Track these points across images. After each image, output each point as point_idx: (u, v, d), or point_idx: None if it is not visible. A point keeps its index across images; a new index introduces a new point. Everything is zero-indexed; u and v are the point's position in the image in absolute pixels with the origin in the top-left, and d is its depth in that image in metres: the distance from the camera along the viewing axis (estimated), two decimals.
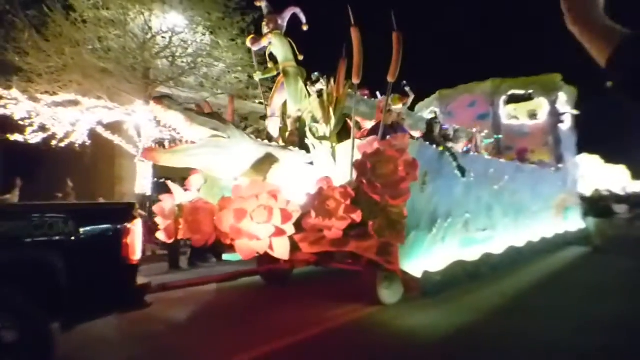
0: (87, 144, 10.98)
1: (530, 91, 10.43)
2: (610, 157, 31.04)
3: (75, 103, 10.64)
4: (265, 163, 4.95)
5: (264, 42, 5.54)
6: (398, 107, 6.67)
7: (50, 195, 10.07)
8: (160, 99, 4.45)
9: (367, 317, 4.46)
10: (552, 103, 10.28)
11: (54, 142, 10.79)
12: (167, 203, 5.18)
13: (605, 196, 10.84)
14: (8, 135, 10.52)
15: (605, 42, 0.85)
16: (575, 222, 10.08)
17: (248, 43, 5.67)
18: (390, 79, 4.52)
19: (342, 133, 5.38)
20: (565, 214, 9.75)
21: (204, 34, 11.50)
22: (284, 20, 5.67)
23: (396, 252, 4.35)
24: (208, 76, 11.82)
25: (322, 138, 5.16)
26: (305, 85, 5.66)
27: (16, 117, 10.44)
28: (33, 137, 10.73)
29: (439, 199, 5.05)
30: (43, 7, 10.55)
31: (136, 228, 3.29)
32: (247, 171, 4.88)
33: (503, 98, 10.54)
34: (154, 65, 11.60)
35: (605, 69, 0.83)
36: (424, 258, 4.76)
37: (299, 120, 5.77)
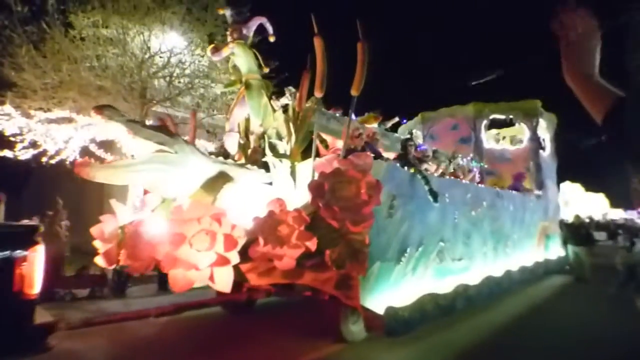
0: (78, 161, 10.54)
1: (511, 116, 10.17)
2: (590, 185, 31.24)
3: (69, 120, 10.44)
4: (217, 182, 4.40)
5: (225, 52, 5.08)
6: (373, 126, 6.23)
7: (38, 212, 9.65)
8: (101, 108, 3.93)
9: (329, 357, 3.88)
10: (533, 129, 10.01)
11: (44, 159, 10.48)
12: (108, 225, 4.57)
13: (585, 223, 10.49)
14: None
15: (599, 101, 0.97)
16: (556, 250, 9.65)
17: (208, 53, 5.21)
18: (354, 92, 4.06)
19: (310, 152, 4.90)
20: (547, 242, 9.32)
21: (202, 56, 11.27)
22: (250, 30, 5.25)
23: (357, 285, 3.80)
24: (205, 97, 11.64)
25: (282, 156, 4.65)
26: (270, 99, 5.18)
27: (7, 132, 10.19)
28: (23, 153, 10.41)
29: (409, 226, 4.53)
30: (42, 24, 10.38)
31: (36, 256, 2.69)
32: (196, 190, 4.33)
33: (485, 122, 10.25)
34: (151, 85, 11.50)
35: (601, 126, 0.96)
36: (390, 292, 4.19)
37: (264, 136, 5.27)
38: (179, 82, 11.43)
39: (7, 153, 10.49)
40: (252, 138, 5.30)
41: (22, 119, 10.43)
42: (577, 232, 9.27)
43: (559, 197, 11.59)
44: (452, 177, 6.35)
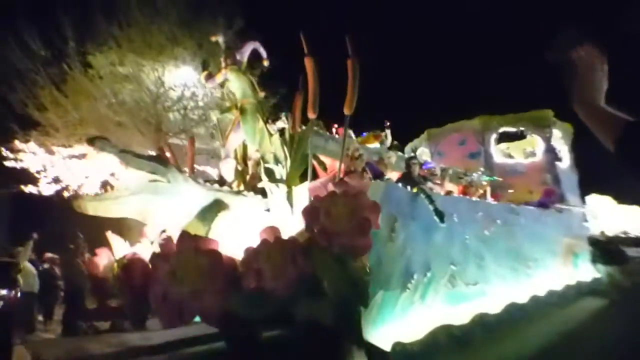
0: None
1: (522, 128, 9.79)
2: (623, 198, 29.52)
3: (89, 155, 10.84)
4: (211, 210, 4.24)
5: (218, 79, 5.03)
6: (373, 146, 6.01)
7: (62, 248, 9.83)
8: (93, 140, 3.88)
9: None
10: (547, 140, 9.58)
11: (66, 194, 10.81)
12: (102, 258, 4.42)
13: (616, 239, 9.78)
14: (22, 187, 10.53)
15: (608, 129, 1.01)
16: (588, 269, 8.96)
17: (202, 79, 5.16)
18: (346, 111, 3.88)
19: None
20: (575, 261, 8.69)
21: (214, 88, 11.62)
22: (243, 55, 5.20)
23: (358, 317, 3.49)
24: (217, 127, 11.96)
25: (278, 181, 4.46)
26: (266, 123, 5.05)
27: (32, 169, 10.63)
28: (46, 189, 10.78)
29: (414, 250, 4.21)
30: (63, 65, 10.94)
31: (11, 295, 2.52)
32: (191, 220, 4.17)
33: (494, 136, 9.90)
34: (166, 118, 11.96)
35: (613, 151, 1.00)
36: (397, 324, 3.85)
37: (262, 162, 5.12)
38: (193, 114, 11.67)
39: (31, 189, 10.79)
40: (250, 164, 5.16)
41: (46, 155, 10.78)
42: (606, 249, 8.64)
43: (584, 211, 10.96)
44: (463, 195, 6.03)
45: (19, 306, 7.90)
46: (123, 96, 11.61)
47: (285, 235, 3.62)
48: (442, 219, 4.31)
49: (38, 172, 11.04)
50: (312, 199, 3.59)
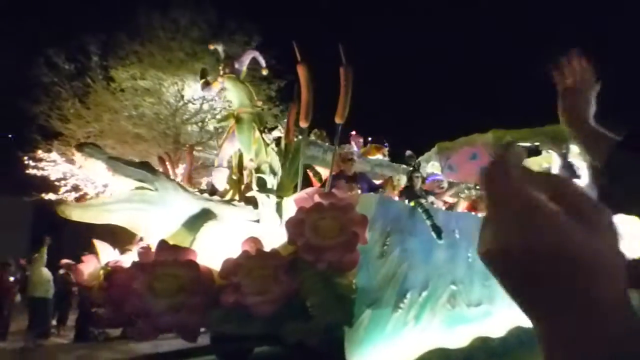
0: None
1: (537, 143, 9.36)
2: None
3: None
4: (198, 220, 4.10)
5: (215, 87, 4.94)
6: (375, 157, 5.81)
7: (79, 254, 10.01)
8: (81, 146, 3.84)
9: None
10: (563, 156, 9.13)
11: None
12: (88, 266, 4.33)
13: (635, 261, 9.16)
14: (43, 195, 10.79)
15: (597, 147, 0.97)
16: None
17: (199, 88, 5.09)
18: (338, 120, 3.71)
19: (305, 186, 4.54)
20: None
21: (213, 96, 11.78)
22: (242, 64, 5.11)
23: (341, 337, 3.26)
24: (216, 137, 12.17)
25: (268, 191, 4.30)
26: (262, 132, 4.92)
27: (52, 177, 10.92)
28: (66, 197, 11.07)
29: (409, 266, 3.95)
30: (86, 79, 11.34)
31: None
32: (176, 230, 4.04)
33: None
34: (185, 130, 12.15)
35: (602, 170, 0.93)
36: (386, 345, 3.59)
37: (258, 171, 4.98)
38: (211, 127, 11.80)
39: (52, 196, 11.00)
40: (245, 173, 5.02)
41: (66, 165, 11.03)
42: (630, 272, 8.09)
43: None
44: (471, 211, 5.73)
45: (33, 311, 7.97)
46: (143, 109, 11.93)
47: (270, 248, 3.44)
48: (439, 235, 4.06)
49: (58, 181, 11.31)
50: (296, 210, 3.40)
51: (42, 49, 11.87)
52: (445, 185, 6.31)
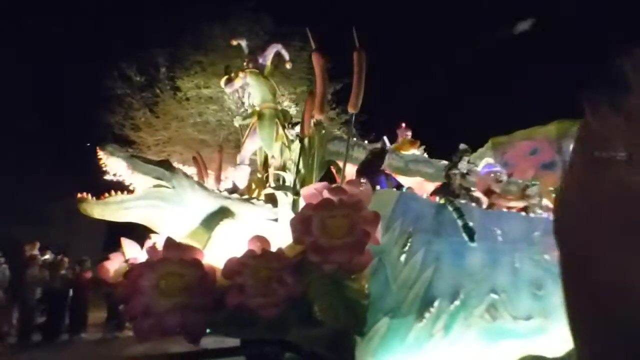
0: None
1: None
2: None
3: None
4: (215, 218, 4.00)
5: (237, 83, 4.84)
6: (409, 153, 5.35)
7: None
8: (104, 146, 3.91)
9: None
10: None
11: None
12: (114, 263, 4.40)
13: None
14: None
15: None
16: None
17: (222, 84, 5.02)
18: (351, 109, 3.39)
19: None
20: None
21: (289, 106, 12.22)
22: (266, 58, 4.97)
23: (353, 347, 2.92)
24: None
25: (286, 189, 4.09)
26: (285, 128, 4.72)
27: (126, 183, 11.98)
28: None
29: (437, 271, 3.49)
30: (155, 89, 12.29)
31: None
32: (193, 228, 3.97)
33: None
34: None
35: None
36: (407, 357, 3.18)
37: (284, 169, 4.80)
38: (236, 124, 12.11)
39: None
40: (270, 171, 4.87)
41: None
42: None
43: None
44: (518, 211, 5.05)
45: (110, 305, 8.59)
46: (207, 116, 12.50)
47: (277, 247, 3.21)
48: (471, 237, 3.53)
49: (129, 185, 12.23)
50: (304, 207, 3.13)
51: (116, 62, 12.90)
52: (505, 178, 5.52)
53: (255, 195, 4.82)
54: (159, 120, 12.64)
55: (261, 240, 3.21)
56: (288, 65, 5.13)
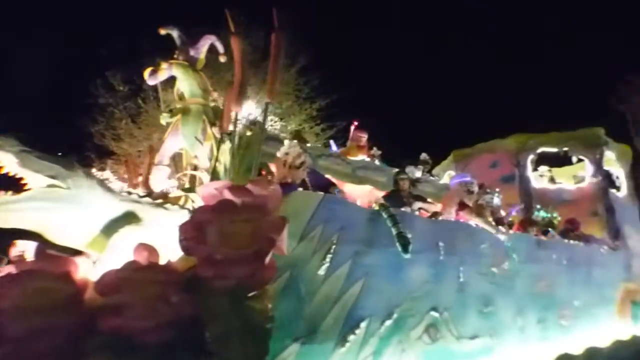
0: None
1: (566, 149, 8.01)
2: None
3: None
4: (116, 224, 3.36)
5: (161, 76, 4.28)
6: (358, 158, 4.87)
7: None
8: None
9: None
10: (597, 163, 7.70)
11: None
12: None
13: None
14: None
15: None
16: None
17: (145, 76, 4.44)
18: (269, 97, 2.87)
19: None
20: (634, 311, 6.64)
21: (275, 121, 12.14)
22: (198, 51, 4.45)
23: None
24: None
25: (194, 191, 3.53)
26: (213, 126, 4.17)
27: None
28: None
29: (366, 287, 2.96)
30: (139, 100, 11.68)
31: None
32: (93, 236, 3.32)
33: (531, 157, 8.20)
34: None
35: None
36: None
37: (214, 171, 4.22)
38: None
39: None
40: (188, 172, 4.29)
41: (118, 182, 11.20)
42: None
43: None
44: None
45: None
46: None
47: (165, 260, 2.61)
48: (405, 248, 3.03)
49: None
50: (198, 210, 2.56)
51: (100, 71, 12.34)
52: (476, 188, 4.99)
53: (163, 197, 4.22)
54: (141, 131, 12.18)
55: (149, 249, 2.60)
56: (222, 59, 4.60)
